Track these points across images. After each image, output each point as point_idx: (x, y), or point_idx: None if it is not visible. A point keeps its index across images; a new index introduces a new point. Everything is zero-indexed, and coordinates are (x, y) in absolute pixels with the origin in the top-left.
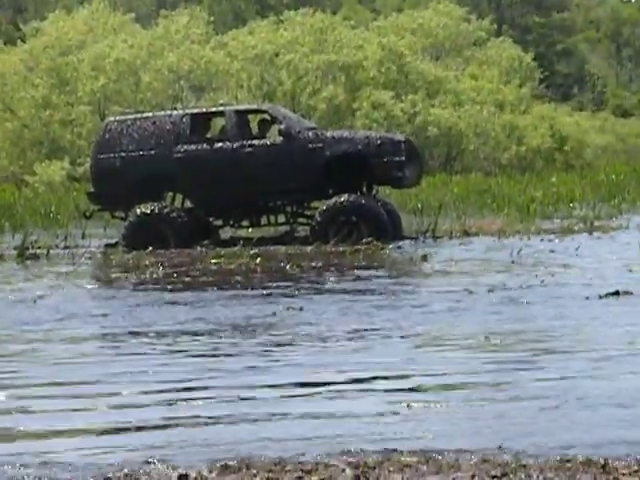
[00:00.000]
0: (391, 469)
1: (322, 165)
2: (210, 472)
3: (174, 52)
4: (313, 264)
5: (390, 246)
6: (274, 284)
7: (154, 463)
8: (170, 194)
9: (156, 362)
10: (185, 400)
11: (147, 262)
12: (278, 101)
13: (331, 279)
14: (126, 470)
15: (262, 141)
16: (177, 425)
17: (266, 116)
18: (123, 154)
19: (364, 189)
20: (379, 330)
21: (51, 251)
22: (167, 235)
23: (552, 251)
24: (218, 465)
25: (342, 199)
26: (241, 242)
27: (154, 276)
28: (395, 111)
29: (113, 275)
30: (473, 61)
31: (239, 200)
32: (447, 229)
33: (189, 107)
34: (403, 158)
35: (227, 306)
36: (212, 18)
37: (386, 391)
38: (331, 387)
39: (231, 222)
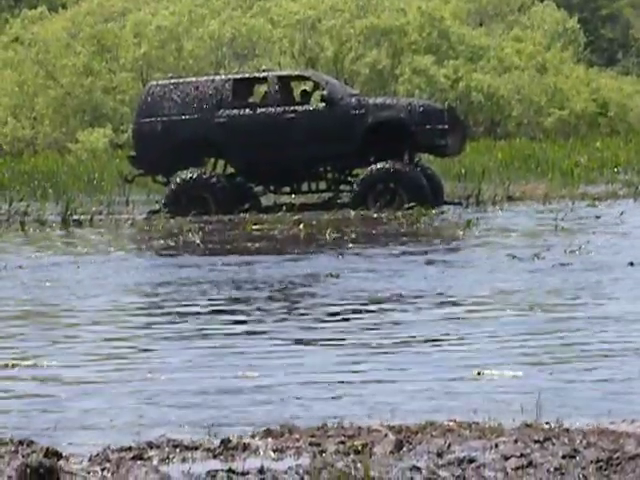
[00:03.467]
0: (433, 434)
1: (364, 132)
2: (253, 437)
3: (216, 19)
4: (356, 230)
5: (433, 212)
6: (316, 250)
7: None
8: (212, 159)
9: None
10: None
11: (189, 228)
12: (321, 67)
13: (374, 245)
14: (169, 436)
15: (304, 107)
16: (218, 391)
17: (309, 82)
18: (165, 118)
19: (406, 156)
20: (424, 296)
21: (94, 218)
22: (208, 201)
23: (597, 217)
24: (261, 430)
25: (382, 166)
26: (284, 208)
27: (196, 242)
28: (437, 77)
29: (156, 242)
30: (517, 25)
31: (280, 166)
32: (491, 195)
33: (232, 73)
34: (446, 126)
35: (269, 269)
36: None
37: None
38: (383, 355)
39: (272, 188)
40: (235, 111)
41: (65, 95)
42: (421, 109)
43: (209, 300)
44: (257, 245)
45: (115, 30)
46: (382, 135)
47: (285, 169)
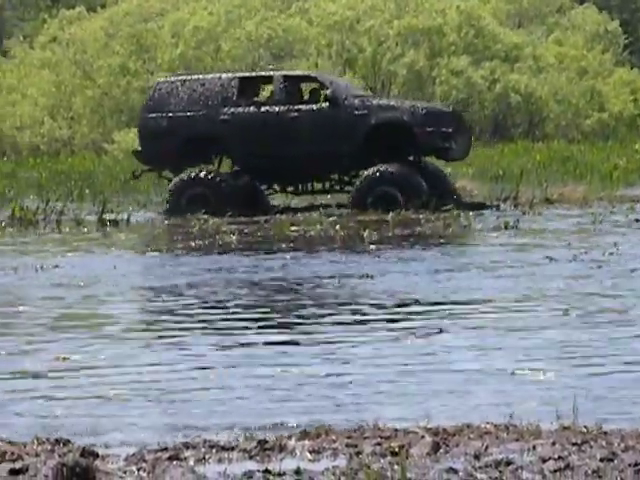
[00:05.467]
0: (471, 436)
1: (366, 132)
2: (289, 438)
3: (252, 19)
4: (392, 232)
5: (471, 214)
6: (352, 251)
7: (232, 429)
8: (217, 157)
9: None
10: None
11: (226, 229)
12: (358, 68)
13: (409, 247)
14: (205, 436)
15: (308, 106)
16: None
17: (316, 83)
18: (170, 114)
19: (410, 158)
20: (459, 297)
21: (131, 218)
22: (209, 199)
23: (637, 220)
24: (297, 431)
25: (379, 169)
26: (320, 208)
27: (233, 243)
28: (475, 78)
29: (193, 242)
30: (557, 28)
31: (283, 165)
32: (529, 197)
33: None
34: (450, 129)
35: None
36: None
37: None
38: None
39: (275, 187)
40: (240, 109)
41: (102, 95)
42: (424, 111)
43: (238, 300)
44: (293, 245)
45: (153, 30)
46: (385, 136)
47: (288, 168)
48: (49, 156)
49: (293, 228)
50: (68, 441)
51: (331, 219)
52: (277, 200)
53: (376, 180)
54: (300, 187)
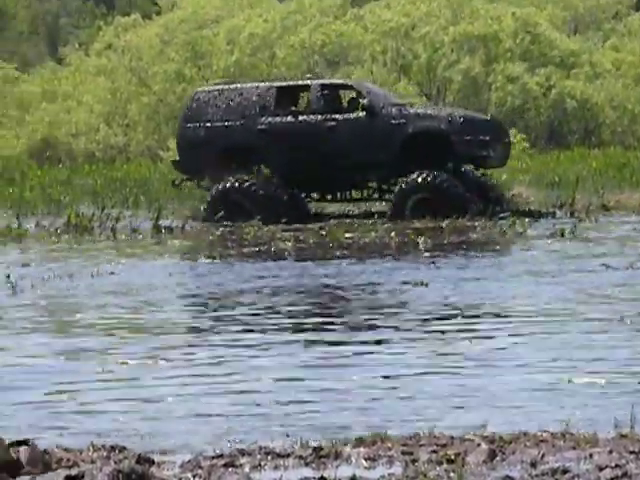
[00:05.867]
0: (527, 444)
1: (403, 141)
2: (345, 445)
3: (307, 26)
4: (448, 239)
5: (527, 221)
6: (407, 258)
7: (288, 436)
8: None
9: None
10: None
11: (280, 235)
12: (413, 74)
13: (464, 254)
14: (261, 443)
15: (345, 115)
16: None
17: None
18: (208, 124)
19: (449, 166)
20: (514, 304)
21: (186, 225)
22: (247, 208)
23: None
24: (353, 439)
25: (417, 177)
26: (375, 216)
27: (288, 250)
28: (530, 84)
29: (247, 249)
30: (613, 34)
31: (321, 173)
32: (585, 204)
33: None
34: (487, 137)
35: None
36: None
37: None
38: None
39: (313, 195)
40: (277, 118)
41: (157, 102)
42: (462, 120)
43: (294, 306)
44: (347, 252)
45: (208, 37)
46: (422, 145)
47: (326, 177)
48: (104, 163)
49: (348, 235)
50: (124, 448)
51: (386, 226)
52: (332, 207)
53: (413, 188)
54: (338, 195)
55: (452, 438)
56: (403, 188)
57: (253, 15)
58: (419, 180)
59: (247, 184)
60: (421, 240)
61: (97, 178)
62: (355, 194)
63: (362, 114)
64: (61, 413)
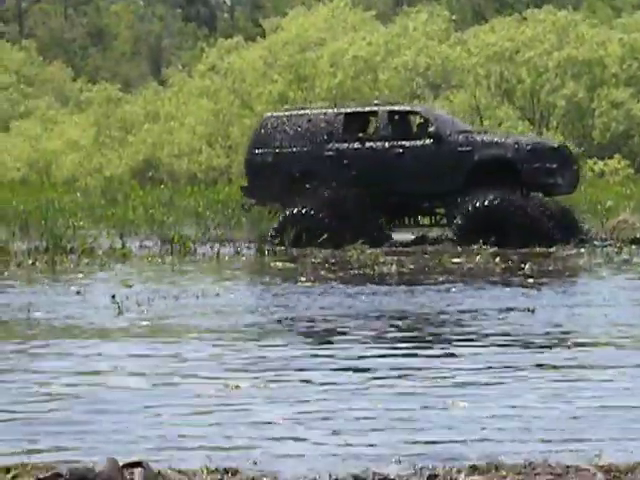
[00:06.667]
0: None
1: (470, 169)
2: (459, 472)
3: (411, 49)
4: (553, 265)
5: (633, 247)
6: (512, 283)
7: (400, 462)
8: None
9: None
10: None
11: (383, 260)
12: (517, 99)
13: (570, 280)
14: (374, 469)
15: (412, 142)
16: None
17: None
18: (277, 150)
19: (517, 192)
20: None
21: (288, 248)
22: (315, 233)
23: None
24: (467, 465)
25: (485, 202)
26: (481, 241)
27: (392, 274)
28: (635, 110)
29: (351, 272)
30: None
31: (388, 200)
32: None
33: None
34: (554, 165)
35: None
36: (454, 17)
37: None
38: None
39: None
40: (344, 145)
41: None
42: (529, 147)
43: (400, 332)
44: (452, 278)
45: (312, 59)
46: (489, 172)
47: (394, 203)
48: (206, 184)
49: (454, 260)
50: (237, 471)
51: (491, 251)
52: (435, 231)
53: (481, 214)
54: (407, 221)
55: (567, 467)
56: (472, 211)
57: (357, 38)
58: (487, 205)
59: (315, 210)
60: (526, 266)
61: (199, 199)
62: (423, 220)
63: (429, 141)
64: (174, 435)
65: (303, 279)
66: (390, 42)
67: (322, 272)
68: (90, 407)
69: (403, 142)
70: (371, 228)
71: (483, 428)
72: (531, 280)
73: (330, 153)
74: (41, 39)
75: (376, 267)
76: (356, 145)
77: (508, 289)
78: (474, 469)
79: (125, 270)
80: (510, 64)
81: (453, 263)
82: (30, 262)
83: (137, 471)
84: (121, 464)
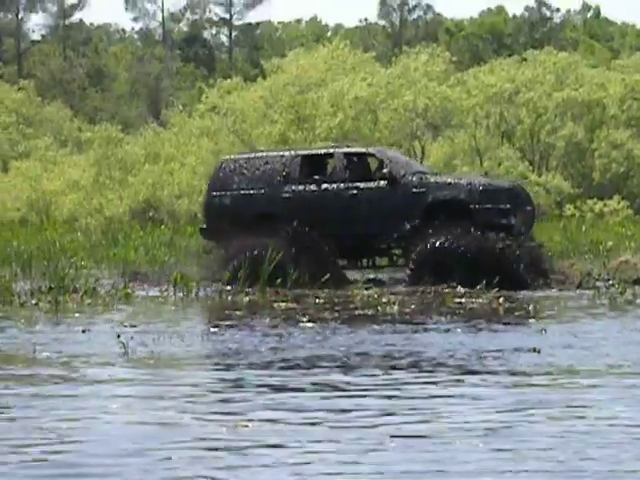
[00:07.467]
0: None
1: (424, 210)
2: None
3: (411, 89)
4: (558, 306)
5: (636, 288)
6: (517, 324)
7: None
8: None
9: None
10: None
11: (385, 300)
12: (517, 139)
13: (576, 320)
14: None
15: (367, 184)
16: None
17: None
18: (235, 192)
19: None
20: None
21: (292, 289)
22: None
23: None
24: None
25: (436, 242)
26: (484, 282)
27: (396, 314)
28: (635, 150)
29: (356, 312)
30: None
31: (344, 241)
32: None
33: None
34: (508, 205)
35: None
36: (454, 58)
37: None
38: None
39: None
40: (301, 186)
41: None
42: (481, 188)
43: (401, 372)
44: (455, 318)
45: (312, 100)
46: (443, 214)
47: (349, 245)
48: None
49: (457, 300)
50: None
51: (494, 291)
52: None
53: (430, 254)
54: (365, 262)
55: None
56: (421, 253)
57: (357, 79)
58: (437, 245)
59: (271, 252)
60: (530, 307)
61: (200, 240)
62: (381, 261)
63: (383, 183)
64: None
65: (305, 319)
66: (390, 83)
67: (327, 312)
68: (104, 450)
69: (358, 184)
70: (330, 269)
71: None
72: (533, 320)
73: (287, 195)
74: (40, 79)
75: (379, 308)
76: (312, 187)
77: (512, 329)
78: None
79: (128, 310)
80: (510, 105)
81: (457, 303)
82: (34, 302)
83: None
84: None
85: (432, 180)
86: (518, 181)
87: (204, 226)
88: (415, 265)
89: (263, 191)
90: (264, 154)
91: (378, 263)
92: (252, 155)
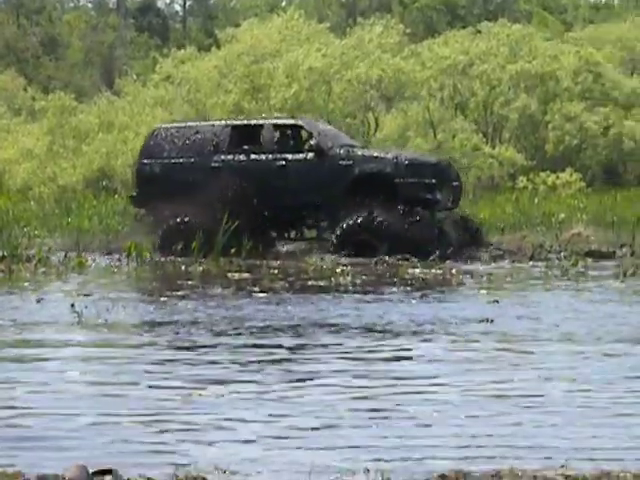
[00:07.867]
0: None
1: (350, 183)
2: None
3: (365, 61)
4: (511, 277)
5: (589, 260)
6: (469, 295)
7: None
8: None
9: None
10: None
11: (339, 270)
12: (470, 111)
13: (529, 292)
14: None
15: (295, 155)
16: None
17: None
18: (165, 161)
19: (400, 207)
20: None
21: (246, 259)
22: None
23: None
24: (435, 475)
25: (358, 218)
26: (437, 253)
27: (349, 284)
28: (588, 123)
29: (310, 282)
30: None
31: (272, 212)
32: None
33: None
34: (433, 180)
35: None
36: (408, 30)
37: None
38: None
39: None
40: (230, 156)
41: None
42: (407, 162)
43: (350, 341)
44: (408, 289)
45: (267, 70)
46: (369, 187)
47: (277, 216)
48: None
49: (410, 271)
50: (205, 479)
51: (448, 262)
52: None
53: (353, 229)
54: (293, 233)
55: (534, 477)
56: (345, 227)
57: (311, 50)
58: (360, 220)
59: (195, 220)
60: (483, 278)
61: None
62: (309, 233)
63: (311, 154)
64: (142, 443)
65: (257, 289)
66: (345, 54)
67: (281, 282)
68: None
69: (286, 155)
70: (258, 236)
71: (453, 435)
72: (484, 292)
73: (216, 164)
74: None
75: (333, 278)
76: (241, 157)
77: (465, 300)
78: (442, 478)
79: (82, 279)
80: (463, 77)
81: (409, 274)
82: None
83: (107, 479)
84: (91, 472)
85: (359, 153)
86: (447, 157)
87: (134, 194)
88: (337, 242)
89: (193, 160)
90: (196, 124)
91: (306, 235)
92: (184, 124)
